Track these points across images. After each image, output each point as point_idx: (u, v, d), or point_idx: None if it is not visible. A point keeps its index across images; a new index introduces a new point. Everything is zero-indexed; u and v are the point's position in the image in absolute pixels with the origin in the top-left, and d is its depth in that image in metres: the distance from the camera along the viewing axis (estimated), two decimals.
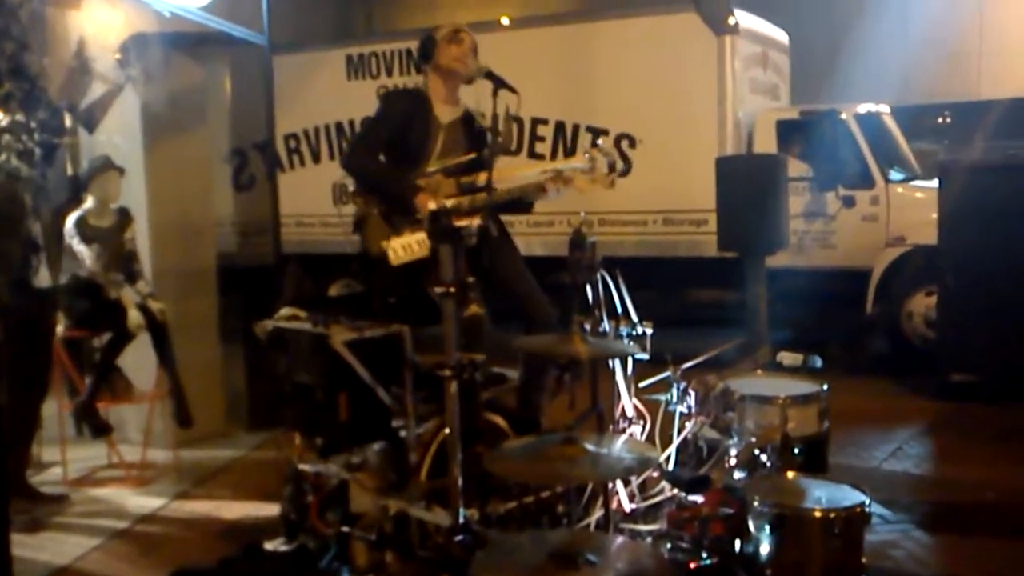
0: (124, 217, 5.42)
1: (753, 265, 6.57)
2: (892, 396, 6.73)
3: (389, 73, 9.23)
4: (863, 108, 8.10)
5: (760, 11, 8.52)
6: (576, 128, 8.33)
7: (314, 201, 9.12)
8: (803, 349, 4.17)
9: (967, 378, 6.36)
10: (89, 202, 5.29)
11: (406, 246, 3.69)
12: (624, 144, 8.12)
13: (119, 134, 5.74)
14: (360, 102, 8.55)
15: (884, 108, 8.52)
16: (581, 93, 8.33)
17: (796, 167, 7.78)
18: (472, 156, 3.94)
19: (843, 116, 7.77)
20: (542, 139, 8.48)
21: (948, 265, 6.46)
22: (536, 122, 8.48)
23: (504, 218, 3.95)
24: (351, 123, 9.20)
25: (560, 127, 8.40)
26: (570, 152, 8.25)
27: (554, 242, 7.77)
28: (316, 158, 9.64)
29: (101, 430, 5.29)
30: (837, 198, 7.70)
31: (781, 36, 9.01)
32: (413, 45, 8.35)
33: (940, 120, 11.87)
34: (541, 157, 8.36)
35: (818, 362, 4.17)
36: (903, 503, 4.33)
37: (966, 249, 6.33)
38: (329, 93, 9.43)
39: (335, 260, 8.75)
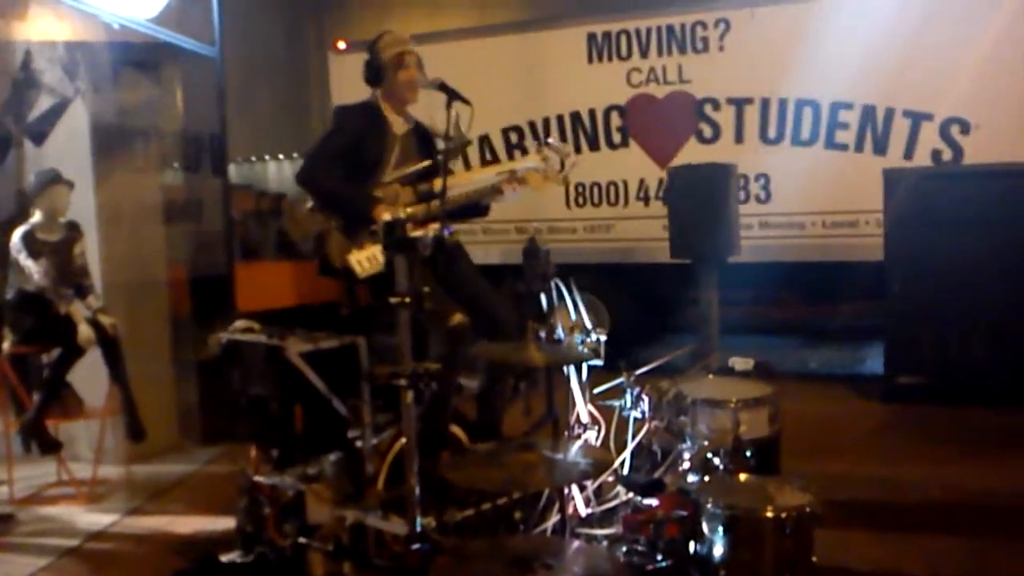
0: (73, 231, 5.35)
1: (705, 272, 6.68)
2: (842, 399, 6.88)
3: (644, 53, 8.02)
4: None
5: None
6: (890, 113, 7.20)
7: (543, 205, 8.20)
8: None
9: (914, 380, 6.51)
10: (37, 216, 5.21)
11: (371, 258, 3.69)
12: (954, 130, 7.04)
13: (68, 147, 5.67)
14: (605, 87, 8.06)
15: None
16: (896, 71, 7.10)
17: None
18: (427, 164, 3.97)
19: None
20: (844, 126, 7.35)
21: (895, 270, 6.61)
22: (837, 107, 7.36)
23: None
24: (591, 112, 8.22)
25: (869, 113, 7.26)
26: (880, 144, 7.21)
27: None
28: None
29: (50, 447, 5.21)
30: None
31: None
32: (676, 21, 7.81)
33: None
34: (842, 147, 7.33)
35: (769, 367, 4.25)
36: (853, 502, 4.42)
37: (911, 255, 6.50)
38: (566, 78, 8.26)
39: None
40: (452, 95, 3.58)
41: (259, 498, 3.75)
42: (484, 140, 8.57)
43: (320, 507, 3.57)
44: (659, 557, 3.14)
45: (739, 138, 7.70)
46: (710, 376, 4.00)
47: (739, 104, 7.68)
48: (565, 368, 3.58)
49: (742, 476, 3.31)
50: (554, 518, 3.44)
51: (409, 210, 3.80)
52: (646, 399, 3.68)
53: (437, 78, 3.73)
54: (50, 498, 5.22)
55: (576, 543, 3.09)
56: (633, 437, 3.74)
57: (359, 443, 3.57)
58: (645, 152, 8.08)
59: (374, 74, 4.01)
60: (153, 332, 6.10)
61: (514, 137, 8.54)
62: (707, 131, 7.82)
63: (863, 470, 5.05)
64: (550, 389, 3.37)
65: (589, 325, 3.61)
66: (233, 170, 12.99)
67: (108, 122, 5.78)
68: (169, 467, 5.66)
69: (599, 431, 3.80)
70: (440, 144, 3.91)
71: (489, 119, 8.47)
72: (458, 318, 3.66)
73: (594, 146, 8.23)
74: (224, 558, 3.75)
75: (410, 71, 3.95)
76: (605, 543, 3.39)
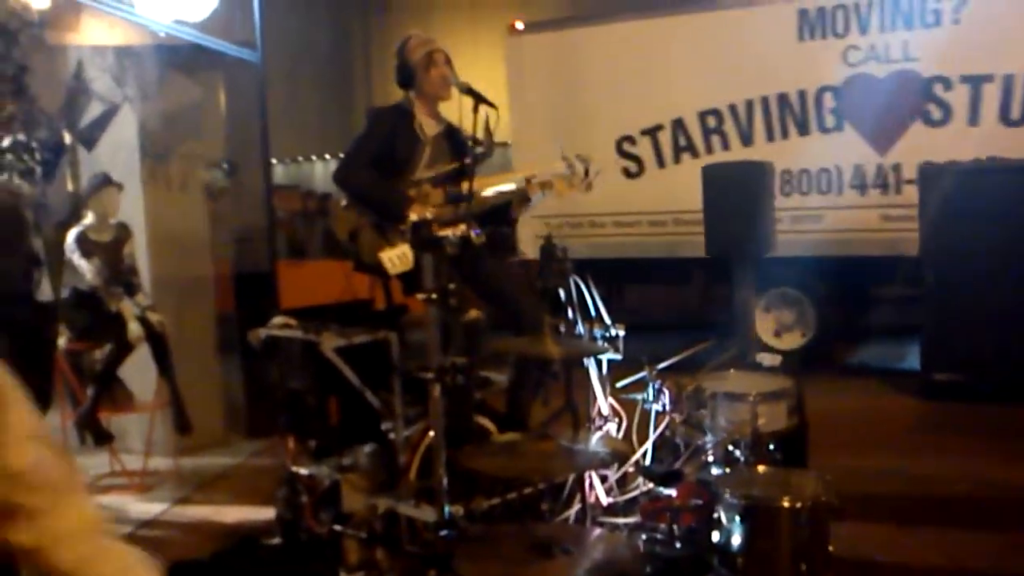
0: (123, 232, 5.57)
1: (741, 269, 6.71)
2: (877, 395, 6.88)
3: (864, 30, 7.40)
4: None
5: None
6: None
7: None
8: None
9: (950, 377, 6.48)
10: (89, 217, 5.44)
11: (401, 256, 3.81)
12: None
13: (117, 151, 5.89)
14: (818, 67, 7.52)
15: None
16: None
17: None
18: (457, 166, 4.08)
19: None
20: None
21: (931, 267, 6.58)
22: None
23: None
24: (801, 93, 7.65)
25: None
26: None
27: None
28: (747, 140, 7.92)
29: (103, 439, 5.41)
30: None
31: None
32: None
33: None
34: None
35: (796, 363, 4.30)
36: (880, 496, 4.46)
37: (948, 251, 6.46)
38: (772, 57, 7.74)
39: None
40: (479, 99, 3.68)
41: (297, 487, 3.92)
42: (678, 124, 8.14)
43: (355, 496, 3.71)
44: (678, 545, 3.24)
45: (973, 120, 7.08)
46: (732, 371, 4.08)
47: (976, 82, 7.05)
48: (586, 362, 3.69)
49: (761, 468, 3.39)
50: (576, 507, 3.55)
51: (437, 211, 3.92)
52: (666, 392, 3.77)
53: (464, 82, 3.84)
54: (103, 487, 5.43)
55: (596, 530, 3.20)
56: (655, 429, 3.83)
57: (392, 435, 3.70)
58: (862, 137, 7.52)
59: (405, 77, 4.13)
60: (199, 329, 6.29)
61: (712, 121, 8.04)
62: (936, 113, 7.22)
63: (894, 465, 5.06)
64: (568, 382, 3.47)
65: (608, 320, 3.71)
66: (280, 170, 13.26)
67: (155, 126, 5.99)
68: (215, 459, 5.86)
69: (620, 423, 3.90)
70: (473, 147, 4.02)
71: (684, 103, 8.09)
72: (474, 314, 3.77)
73: (804, 130, 7.70)
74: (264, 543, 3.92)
75: (441, 68, 4.06)
76: (625, 531, 3.49)
